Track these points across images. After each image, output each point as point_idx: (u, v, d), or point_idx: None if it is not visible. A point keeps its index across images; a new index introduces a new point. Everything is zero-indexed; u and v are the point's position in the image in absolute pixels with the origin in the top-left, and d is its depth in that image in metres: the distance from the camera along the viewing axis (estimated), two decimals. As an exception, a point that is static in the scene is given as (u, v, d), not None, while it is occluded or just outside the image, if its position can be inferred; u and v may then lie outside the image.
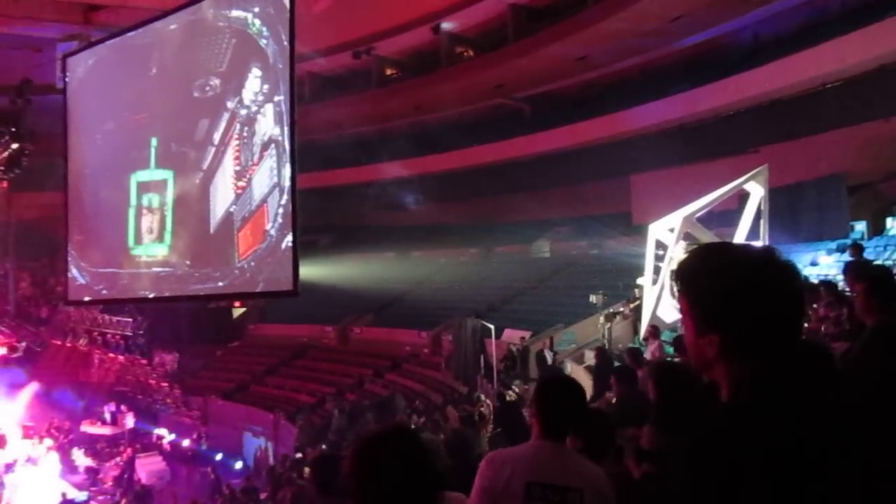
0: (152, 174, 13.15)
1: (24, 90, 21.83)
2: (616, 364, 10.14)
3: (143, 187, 13.25)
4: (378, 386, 20.21)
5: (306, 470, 12.07)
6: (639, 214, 20.66)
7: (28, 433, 19.80)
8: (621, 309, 15.80)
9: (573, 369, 15.22)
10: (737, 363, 1.32)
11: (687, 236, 12.79)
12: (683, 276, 1.41)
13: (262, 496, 14.45)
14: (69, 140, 14.58)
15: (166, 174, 12.98)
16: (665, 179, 19.76)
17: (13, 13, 21.31)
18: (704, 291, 1.36)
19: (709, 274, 1.37)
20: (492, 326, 17.01)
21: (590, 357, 14.36)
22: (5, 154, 22.00)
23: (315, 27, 19.57)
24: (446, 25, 23.80)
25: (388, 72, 27.27)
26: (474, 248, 26.29)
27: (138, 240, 13.30)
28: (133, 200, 13.39)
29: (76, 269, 14.33)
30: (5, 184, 23.49)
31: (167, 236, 12.90)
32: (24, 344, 21.63)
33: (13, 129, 21.71)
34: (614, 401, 6.21)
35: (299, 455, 15.43)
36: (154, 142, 13.10)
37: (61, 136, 15.00)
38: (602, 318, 15.42)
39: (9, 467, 17.16)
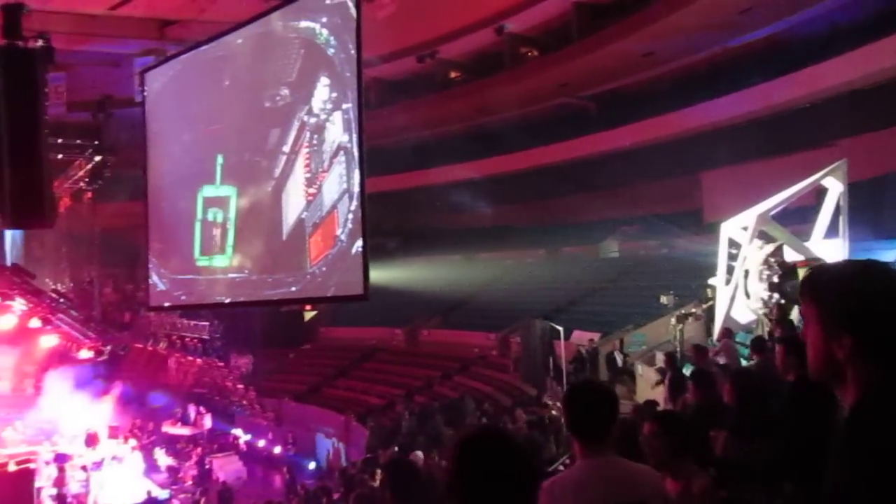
0: (217, 190, 13.63)
1: (105, 105, 22.84)
2: (689, 366, 9.96)
3: (209, 202, 13.76)
4: (447, 388, 20.33)
5: (377, 472, 12.27)
6: (710, 212, 20.20)
7: (113, 433, 20.68)
8: (693, 310, 15.49)
9: (644, 371, 15.03)
10: (868, 364, 1.44)
11: (762, 234, 12.45)
12: (815, 284, 1.55)
13: (335, 497, 14.73)
14: (148, 152, 15.20)
15: (230, 190, 13.45)
16: (738, 176, 19.27)
17: (93, 31, 22.31)
18: (841, 296, 1.48)
19: (845, 282, 1.50)
20: (560, 328, 16.88)
21: (661, 359, 14.14)
22: (89, 166, 23.07)
23: (379, 33, 19.80)
24: (510, 26, 23.76)
25: (452, 74, 27.40)
26: (541, 249, 26.17)
27: (203, 251, 13.82)
28: (199, 214, 13.90)
29: (156, 275, 14.94)
30: (89, 194, 24.63)
31: (229, 249, 13.37)
32: (109, 348, 22.55)
33: (96, 143, 22.75)
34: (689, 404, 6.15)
35: (370, 456, 15.67)
36: (220, 159, 13.56)
37: (140, 147, 15.65)
38: (673, 320, 15.15)
39: (97, 465, 17.94)
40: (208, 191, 13.81)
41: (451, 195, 25.02)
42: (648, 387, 13.62)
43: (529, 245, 26.35)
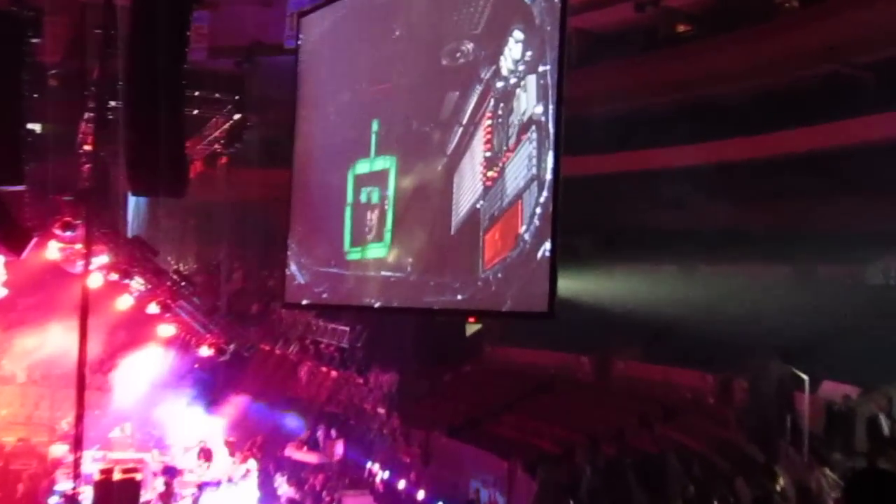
0: (372, 164, 14.05)
1: (253, 52, 24.18)
2: None
3: (361, 181, 14.23)
4: (644, 440, 20.06)
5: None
6: None
7: (230, 450, 22.13)
8: None
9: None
10: None
11: None
12: None
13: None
14: (298, 113, 16.01)
15: (388, 162, 13.77)
16: None
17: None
18: None
19: None
20: (805, 376, 16.27)
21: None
22: (226, 125, 24.50)
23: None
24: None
25: (679, 28, 26.88)
26: (785, 265, 25.07)
27: (355, 241, 14.29)
28: (350, 197, 14.44)
29: (296, 265, 15.73)
30: (224, 159, 26.21)
31: (387, 235, 13.72)
32: (232, 346, 23.96)
33: (236, 98, 24.14)
34: None
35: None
36: (375, 125, 13.98)
37: (287, 105, 16.53)
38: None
39: (210, 485, 19.27)
40: (362, 166, 14.28)
41: (666, 186, 24.51)
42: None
43: (769, 258, 25.26)
